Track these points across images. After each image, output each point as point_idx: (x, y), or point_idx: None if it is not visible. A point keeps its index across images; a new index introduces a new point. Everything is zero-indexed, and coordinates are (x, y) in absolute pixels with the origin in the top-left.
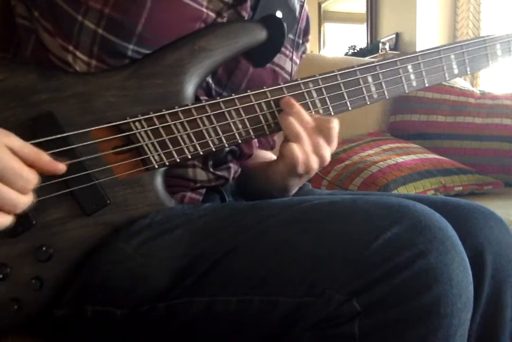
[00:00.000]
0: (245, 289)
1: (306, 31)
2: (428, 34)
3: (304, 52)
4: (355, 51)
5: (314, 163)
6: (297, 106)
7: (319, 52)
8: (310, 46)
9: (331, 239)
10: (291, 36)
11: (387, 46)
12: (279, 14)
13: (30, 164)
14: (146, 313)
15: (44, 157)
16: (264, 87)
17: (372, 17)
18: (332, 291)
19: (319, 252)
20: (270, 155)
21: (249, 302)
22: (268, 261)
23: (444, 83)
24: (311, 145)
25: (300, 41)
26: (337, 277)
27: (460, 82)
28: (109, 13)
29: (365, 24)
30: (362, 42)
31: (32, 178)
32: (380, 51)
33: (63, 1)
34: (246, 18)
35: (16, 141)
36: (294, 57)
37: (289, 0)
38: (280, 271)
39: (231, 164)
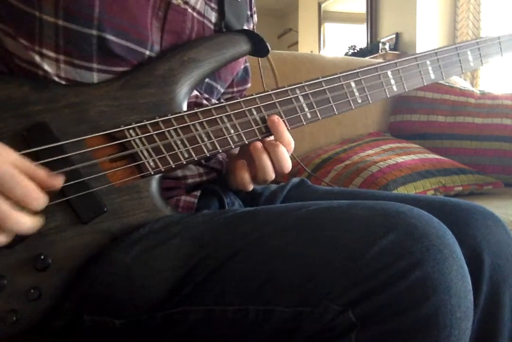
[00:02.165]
0: (241, 299)
1: (251, 4)
2: (428, 34)
3: (255, 24)
4: (355, 51)
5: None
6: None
7: (319, 52)
8: (310, 46)
9: (326, 247)
10: (248, 12)
11: (387, 46)
12: None
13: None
14: (145, 323)
15: (41, 173)
16: (253, 94)
17: (372, 17)
18: (327, 301)
19: (314, 260)
20: None
21: (245, 311)
22: (263, 269)
23: (444, 83)
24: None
25: (249, 14)
26: (332, 286)
27: (460, 82)
28: (64, 2)
29: (365, 24)
30: (362, 42)
31: (40, 195)
32: (380, 51)
33: (16, 0)
34: None
35: (14, 156)
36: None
37: None
38: (276, 280)
39: (221, 158)
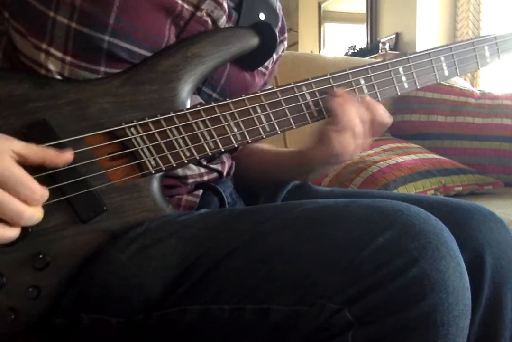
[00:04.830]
0: (237, 297)
1: (283, 29)
2: (428, 34)
3: (283, 51)
4: (355, 51)
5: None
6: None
7: (319, 52)
8: (310, 46)
9: (323, 245)
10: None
11: (387, 46)
12: (262, 16)
13: (40, 163)
14: (142, 322)
15: (50, 152)
16: (258, 91)
17: (372, 17)
18: (324, 300)
19: (311, 258)
20: (262, 146)
21: (241, 310)
22: (259, 268)
23: (444, 83)
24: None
25: (279, 39)
26: (328, 285)
27: (460, 82)
28: (81, 5)
29: (365, 24)
30: (362, 42)
31: (36, 188)
32: (380, 51)
33: None
34: (226, 9)
35: (18, 144)
36: (274, 55)
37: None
38: (272, 279)
39: (225, 159)
